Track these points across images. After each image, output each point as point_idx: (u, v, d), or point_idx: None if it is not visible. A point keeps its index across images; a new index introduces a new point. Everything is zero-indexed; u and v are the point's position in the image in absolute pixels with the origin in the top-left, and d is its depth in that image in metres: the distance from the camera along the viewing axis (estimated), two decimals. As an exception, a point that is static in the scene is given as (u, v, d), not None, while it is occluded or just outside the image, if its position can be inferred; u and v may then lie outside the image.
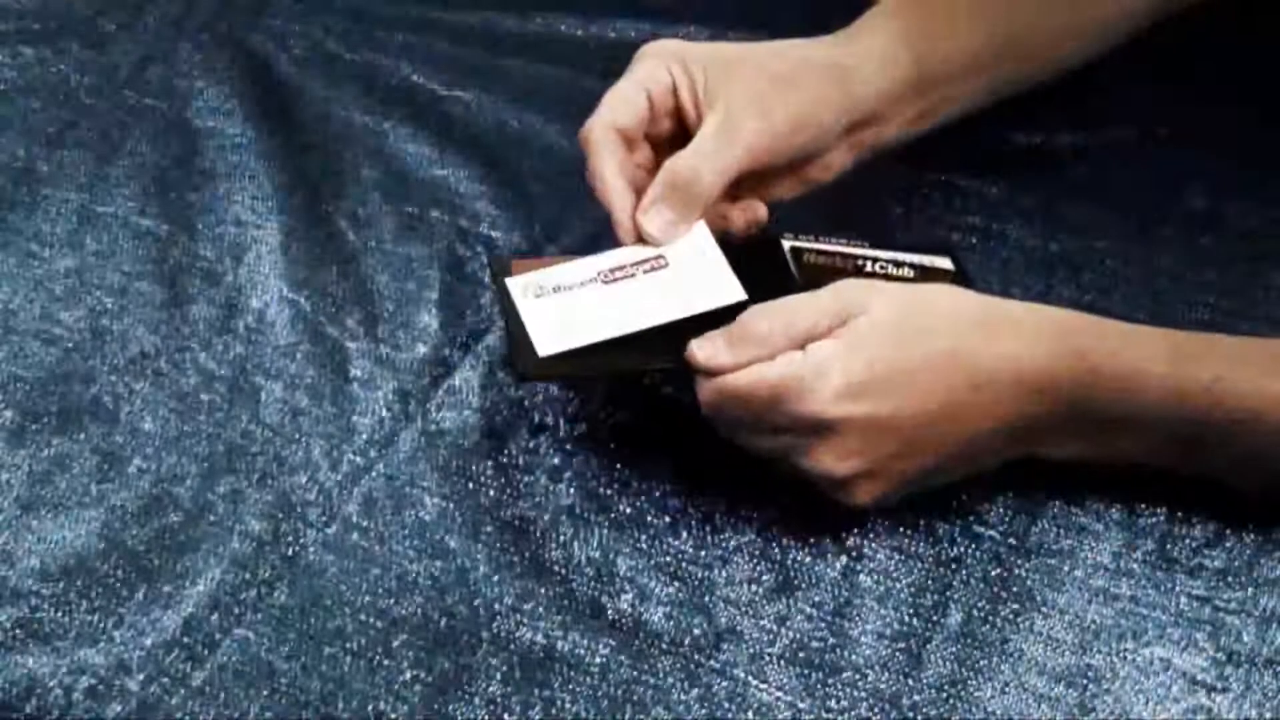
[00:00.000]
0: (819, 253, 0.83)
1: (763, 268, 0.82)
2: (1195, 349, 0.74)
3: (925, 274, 0.83)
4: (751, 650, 0.73)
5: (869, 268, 0.83)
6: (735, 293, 0.80)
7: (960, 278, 0.84)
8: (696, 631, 0.74)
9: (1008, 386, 0.73)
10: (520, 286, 0.79)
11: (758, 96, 0.80)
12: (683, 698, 0.71)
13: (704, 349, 0.75)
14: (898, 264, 0.83)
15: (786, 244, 0.83)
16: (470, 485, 0.80)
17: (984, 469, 0.77)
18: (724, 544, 0.77)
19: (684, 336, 0.77)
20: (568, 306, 0.78)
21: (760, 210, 0.83)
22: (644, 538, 0.77)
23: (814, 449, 0.73)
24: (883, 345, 0.72)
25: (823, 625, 0.74)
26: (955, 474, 0.76)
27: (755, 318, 0.74)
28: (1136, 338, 0.74)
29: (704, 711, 0.71)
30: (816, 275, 0.81)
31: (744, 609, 0.75)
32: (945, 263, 0.85)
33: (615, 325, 0.78)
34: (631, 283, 0.80)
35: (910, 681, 0.72)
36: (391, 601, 0.75)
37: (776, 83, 0.81)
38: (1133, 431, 0.74)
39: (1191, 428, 0.73)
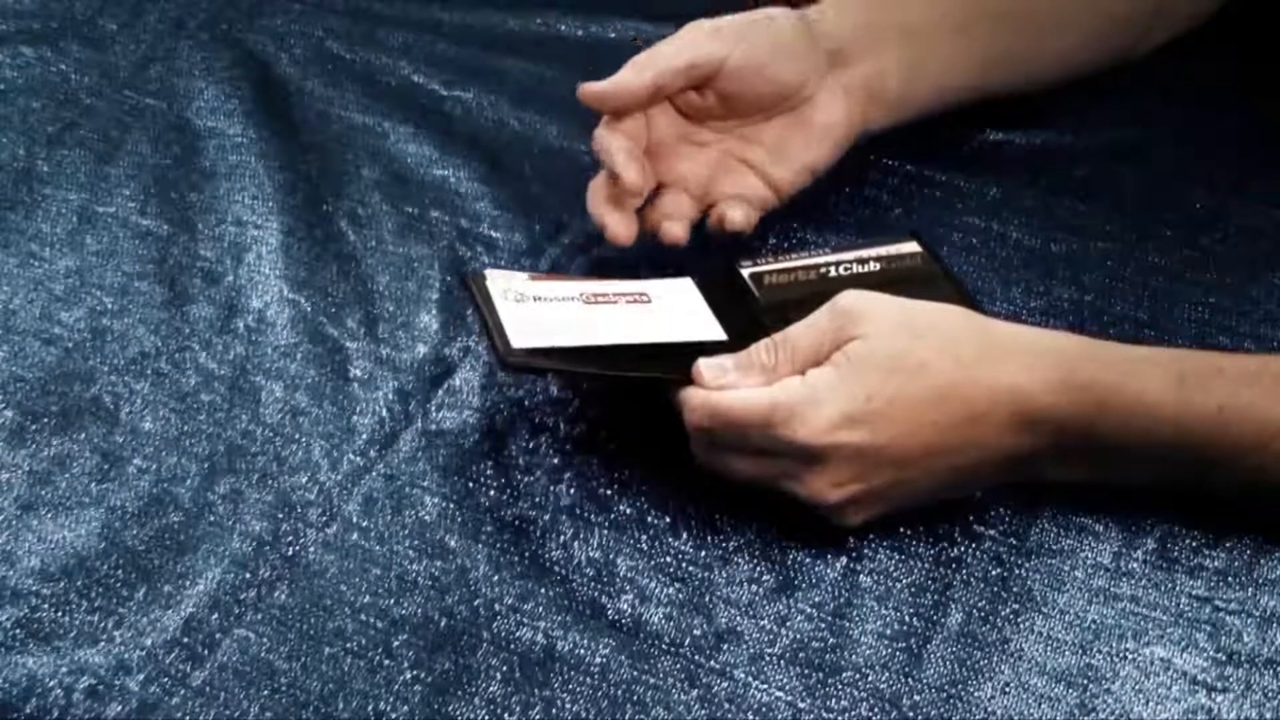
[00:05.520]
0: (779, 272, 0.84)
1: (727, 300, 0.82)
2: (1200, 374, 0.72)
3: (892, 263, 0.84)
4: (751, 650, 0.73)
5: (834, 273, 0.83)
6: (715, 332, 0.80)
7: (929, 257, 0.84)
8: (696, 632, 0.74)
9: (1007, 419, 0.72)
10: (500, 290, 0.80)
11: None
12: (683, 698, 0.71)
13: (710, 368, 0.75)
14: (862, 261, 0.84)
15: (745, 271, 0.84)
16: (470, 485, 0.80)
17: (984, 488, 0.77)
18: (724, 544, 0.77)
19: (662, 359, 0.77)
20: (546, 314, 0.79)
21: (745, 208, 0.86)
22: (644, 538, 0.77)
23: (806, 476, 0.73)
24: (881, 377, 0.72)
25: (823, 625, 0.74)
26: (954, 495, 0.76)
27: (761, 350, 0.75)
28: (1142, 365, 0.73)
29: (704, 712, 0.71)
30: (781, 294, 0.82)
31: (744, 609, 0.75)
32: (911, 246, 0.85)
33: (593, 335, 0.78)
34: (612, 308, 0.80)
35: (910, 681, 0.72)
36: (391, 601, 0.75)
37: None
38: (1136, 460, 0.73)
39: (1196, 454, 0.72)
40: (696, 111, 0.87)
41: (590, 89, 0.84)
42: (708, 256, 0.87)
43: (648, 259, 0.89)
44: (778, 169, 0.87)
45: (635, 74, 0.84)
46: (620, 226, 0.84)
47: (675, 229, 0.85)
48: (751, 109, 0.87)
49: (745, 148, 0.87)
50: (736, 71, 0.85)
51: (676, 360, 0.77)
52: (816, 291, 0.81)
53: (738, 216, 0.85)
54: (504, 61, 1.05)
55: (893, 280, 0.83)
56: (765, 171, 0.87)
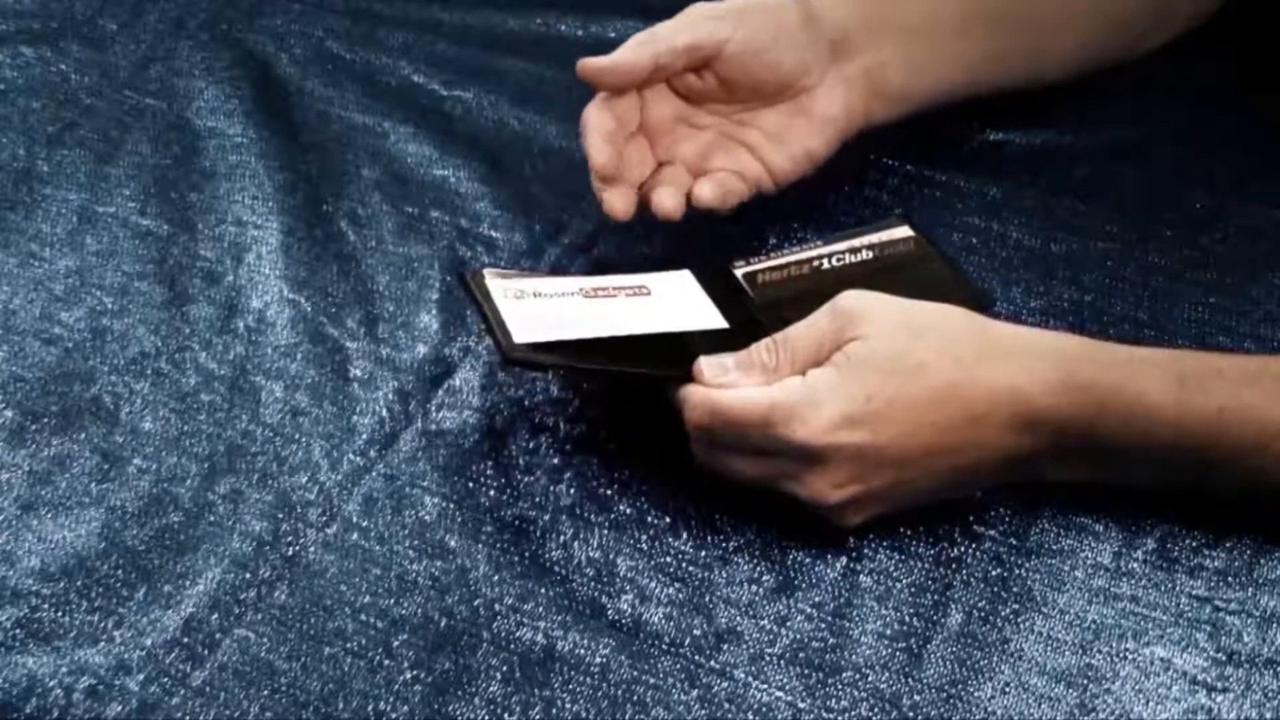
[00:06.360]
0: (771, 269, 0.84)
1: (724, 300, 0.82)
2: (1200, 374, 0.72)
3: (885, 250, 0.84)
4: (751, 650, 0.73)
5: (826, 265, 0.83)
6: (716, 321, 0.80)
7: (922, 240, 0.85)
8: (696, 632, 0.74)
9: (1007, 419, 0.72)
10: (499, 287, 0.80)
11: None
12: (683, 698, 0.71)
13: (711, 366, 0.75)
14: (855, 250, 0.84)
15: (738, 272, 0.84)
16: (470, 485, 0.80)
17: (984, 489, 0.77)
18: (724, 544, 0.77)
19: (665, 352, 0.77)
20: (546, 309, 0.79)
21: (735, 185, 0.85)
22: (644, 538, 0.77)
23: (806, 476, 0.73)
24: (880, 378, 0.71)
25: (823, 625, 0.74)
26: (954, 495, 0.76)
27: (761, 349, 0.75)
28: (1142, 366, 0.73)
29: (704, 712, 0.71)
30: (775, 292, 0.82)
31: (744, 609, 0.75)
32: (903, 231, 0.85)
33: (595, 328, 0.78)
34: (612, 301, 0.80)
35: (910, 681, 0.72)
36: (391, 601, 0.75)
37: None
38: (1135, 460, 0.73)
39: (1196, 456, 0.72)
40: (696, 94, 0.87)
41: (590, 64, 0.83)
42: (704, 256, 0.87)
43: (648, 259, 0.89)
44: (775, 155, 0.86)
45: (635, 51, 0.83)
46: (617, 200, 0.84)
47: (666, 200, 0.84)
48: (751, 94, 0.86)
49: (743, 131, 0.87)
50: (737, 55, 0.84)
51: (678, 355, 0.77)
52: (811, 287, 0.81)
53: (705, 193, 0.84)
54: (504, 61, 1.05)
55: (887, 268, 0.83)
56: (762, 155, 0.86)
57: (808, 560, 0.76)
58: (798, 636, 0.73)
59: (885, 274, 0.82)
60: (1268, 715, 0.70)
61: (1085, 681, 0.71)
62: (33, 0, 1.11)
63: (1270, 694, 0.71)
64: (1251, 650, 0.72)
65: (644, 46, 0.84)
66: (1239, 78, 0.99)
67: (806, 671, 0.72)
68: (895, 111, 0.89)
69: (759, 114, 0.87)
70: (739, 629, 0.74)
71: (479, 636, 0.74)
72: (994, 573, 0.75)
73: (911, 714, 0.71)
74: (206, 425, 0.83)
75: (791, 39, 0.85)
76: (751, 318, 0.81)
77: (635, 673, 0.72)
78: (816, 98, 0.86)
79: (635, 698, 0.71)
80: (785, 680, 0.72)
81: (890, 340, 0.72)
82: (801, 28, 0.85)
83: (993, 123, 0.97)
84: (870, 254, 0.84)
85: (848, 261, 0.84)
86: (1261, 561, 0.75)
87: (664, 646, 0.73)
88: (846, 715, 0.71)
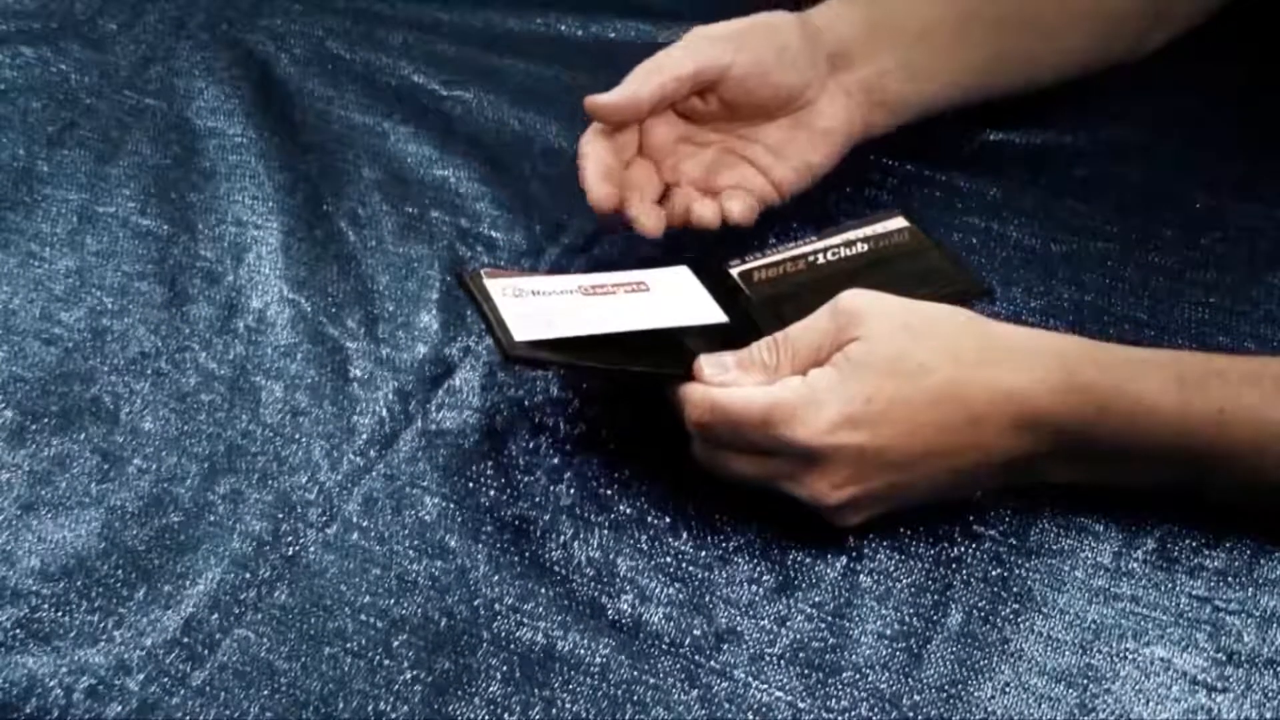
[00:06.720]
0: (767, 267, 0.84)
1: (721, 299, 0.82)
2: (1200, 375, 0.72)
3: (880, 241, 0.84)
4: (751, 650, 0.73)
5: (822, 259, 0.83)
6: (716, 315, 0.80)
7: (917, 230, 0.85)
8: (696, 632, 0.74)
9: (1007, 421, 0.72)
10: (498, 286, 0.80)
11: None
12: (683, 698, 0.71)
13: (711, 365, 0.75)
14: (850, 244, 0.84)
15: (734, 271, 0.84)
16: (470, 485, 0.80)
17: (984, 489, 0.77)
18: (724, 544, 0.77)
19: (666, 349, 0.77)
20: (546, 306, 0.79)
21: (744, 200, 0.86)
22: (644, 538, 0.77)
23: (805, 477, 0.73)
24: (880, 378, 0.71)
25: (823, 625, 0.74)
26: (954, 496, 0.76)
27: (762, 348, 0.75)
28: (1142, 367, 0.73)
29: (704, 712, 0.71)
30: (772, 288, 0.82)
31: (744, 609, 0.75)
32: (898, 222, 0.85)
33: (594, 325, 0.78)
34: (611, 298, 0.80)
35: (910, 681, 0.72)
36: (391, 601, 0.75)
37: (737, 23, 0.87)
38: (1135, 461, 0.73)
39: (1195, 457, 0.72)
40: (698, 116, 0.87)
41: (596, 102, 0.83)
42: (702, 256, 0.87)
43: (647, 260, 0.89)
44: (778, 168, 0.87)
45: (641, 84, 0.84)
46: (648, 219, 0.84)
47: (705, 212, 0.85)
48: (753, 113, 0.87)
49: (746, 146, 0.87)
50: (740, 78, 0.85)
51: (678, 352, 0.77)
52: (807, 283, 0.81)
53: (736, 208, 0.85)
54: (504, 61, 1.05)
55: (883, 259, 0.83)
56: (766, 169, 0.87)
57: (808, 560, 0.76)
58: (798, 636, 0.73)
59: (882, 266, 0.83)
60: (1268, 715, 0.70)
61: (1085, 681, 0.71)
62: (33, 0, 1.11)
63: (1270, 694, 0.71)
64: (1251, 650, 0.72)
65: (651, 76, 0.84)
66: (1239, 78, 0.99)
67: (806, 671, 0.72)
68: (895, 120, 0.90)
69: (760, 129, 0.87)
70: (739, 629, 0.74)
71: (479, 636, 0.74)
72: (994, 573, 0.75)
73: (911, 714, 0.71)
74: (206, 425, 0.83)
75: (792, 57, 0.85)
76: (749, 316, 0.81)
77: (635, 673, 0.72)
78: (816, 111, 0.87)
79: (635, 698, 0.71)
80: (785, 680, 0.72)
81: (890, 341, 0.72)
82: (802, 44, 0.86)
83: (993, 123, 0.97)
84: (865, 246, 0.84)
85: (843, 255, 0.84)
86: (1261, 561, 0.75)
87: (664, 646, 0.73)
88: (846, 715, 0.71)
